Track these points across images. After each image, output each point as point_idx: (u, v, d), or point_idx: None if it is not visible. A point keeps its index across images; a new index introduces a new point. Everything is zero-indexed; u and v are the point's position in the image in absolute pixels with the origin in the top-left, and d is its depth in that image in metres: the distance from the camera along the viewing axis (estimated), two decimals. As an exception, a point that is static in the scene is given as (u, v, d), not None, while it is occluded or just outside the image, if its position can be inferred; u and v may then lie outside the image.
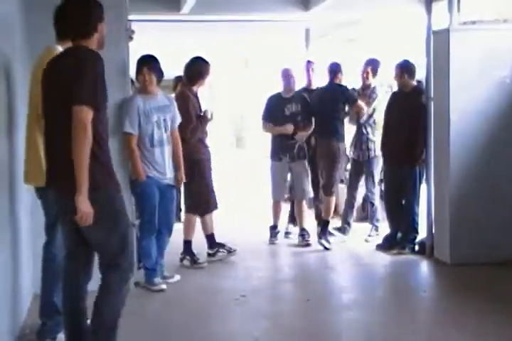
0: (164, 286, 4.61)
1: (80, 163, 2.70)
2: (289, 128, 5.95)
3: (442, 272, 5.09)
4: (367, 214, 6.76)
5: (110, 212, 2.87)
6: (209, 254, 5.48)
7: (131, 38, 4.65)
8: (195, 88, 5.33)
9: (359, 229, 6.31)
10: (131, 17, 4.69)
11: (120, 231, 2.92)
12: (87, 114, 2.71)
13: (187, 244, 5.35)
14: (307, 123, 6.05)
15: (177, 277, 4.89)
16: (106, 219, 2.84)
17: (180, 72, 7.51)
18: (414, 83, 5.73)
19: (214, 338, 3.65)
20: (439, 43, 5.31)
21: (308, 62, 6.63)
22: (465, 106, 5.16)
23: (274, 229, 6.18)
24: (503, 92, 5.17)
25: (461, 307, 4.12)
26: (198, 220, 5.43)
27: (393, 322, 3.95)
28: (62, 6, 3.14)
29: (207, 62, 5.34)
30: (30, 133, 3.41)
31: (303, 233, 6.08)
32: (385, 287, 4.80)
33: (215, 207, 5.41)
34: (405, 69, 5.68)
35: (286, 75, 6.08)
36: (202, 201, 5.29)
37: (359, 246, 5.98)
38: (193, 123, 5.16)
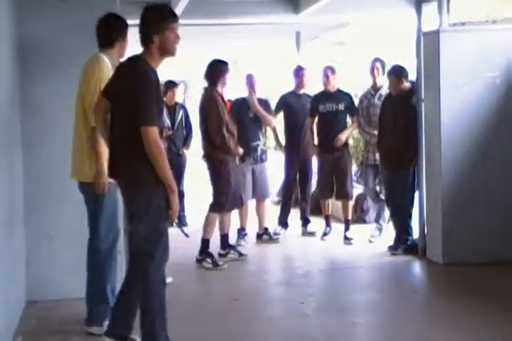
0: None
1: (166, 173, 3.11)
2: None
3: (434, 272, 5.11)
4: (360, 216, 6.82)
5: (156, 207, 3.17)
6: (220, 255, 5.53)
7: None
8: (219, 88, 5.49)
9: (352, 230, 6.29)
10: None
11: (160, 224, 3.22)
12: (154, 134, 3.08)
13: (205, 243, 5.41)
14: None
15: (169, 279, 4.86)
16: (151, 212, 3.17)
17: (170, 77, 7.56)
18: (408, 85, 5.69)
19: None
20: (429, 44, 5.32)
21: (299, 67, 6.67)
22: (456, 107, 5.17)
23: (241, 231, 6.19)
24: (494, 93, 5.18)
25: (454, 307, 4.13)
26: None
27: (387, 323, 3.96)
28: (106, 18, 3.70)
29: (224, 62, 5.56)
30: (77, 135, 3.71)
31: (267, 232, 6.26)
32: (378, 288, 4.79)
33: (237, 205, 5.55)
34: (397, 73, 5.65)
35: (250, 81, 6.22)
36: (223, 199, 5.40)
37: (351, 247, 5.98)
38: (222, 123, 5.34)
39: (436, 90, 5.19)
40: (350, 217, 6.25)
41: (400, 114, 5.58)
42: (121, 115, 3.19)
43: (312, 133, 6.38)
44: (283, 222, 6.62)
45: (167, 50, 3.23)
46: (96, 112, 3.37)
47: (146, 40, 3.21)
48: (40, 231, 4.34)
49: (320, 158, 6.36)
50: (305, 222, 6.61)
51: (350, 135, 6.38)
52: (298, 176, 6.60)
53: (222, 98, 5.53)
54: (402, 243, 5.58)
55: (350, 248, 5.98)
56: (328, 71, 6.27)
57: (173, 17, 3.24)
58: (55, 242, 4.34)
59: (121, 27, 3.81)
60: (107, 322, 3.61)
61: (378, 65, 6.13)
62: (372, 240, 6.01)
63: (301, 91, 6.60)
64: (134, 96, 3.10)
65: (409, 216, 5.64)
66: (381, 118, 5.84)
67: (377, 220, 6.21)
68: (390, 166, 5.68)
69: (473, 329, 3.73)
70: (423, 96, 5.43)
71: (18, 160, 4.25)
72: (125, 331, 3.33)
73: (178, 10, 6.88)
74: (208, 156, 5.51)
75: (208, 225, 5.45)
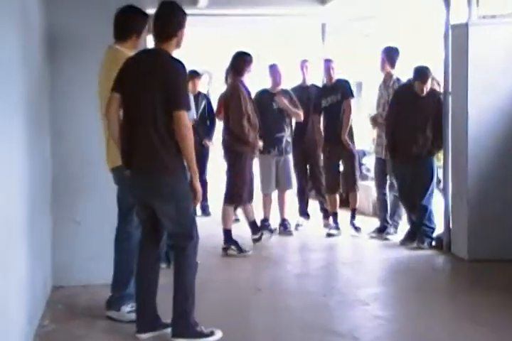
0: None
1: (192, 156, 3.27)
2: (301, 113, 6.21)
3: (459, 268, 5.07)
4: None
5: (184, 191, 3.33)
6: (255, 240, 5.67)
7: (149, 31, 4.66)
8: (243, 78, 5.56)
9: (374, 223, 6.27)
10: (148, 11, 4.69)
11: (190, 207, 3.43)
12: (186, 117, 3.27)
13: (227, 233, 5.51)
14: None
15: None
16: (182, 197, 3.33)
17: (194, 67, 7.56)
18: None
19: (231, 332, 3.64)
20: (458, 38, 5.26)
21: (303, 61, 6.65)
22: (484, 101, 5.11)
23: (265, 221, 6.20)
24: (523, 87, 5.12)
25: (478, 302, 4.11)
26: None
27: (409, 317, 3.94)
28: (122, 11, 3.77)
29: (248, 54, 5.65)
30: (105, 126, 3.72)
31: (284, 223, 6.25)
32: (401, 282, 4.77)
33: (250, 199, 5.61)
34: (423, 78, 5.48)
35: (275, 71, 6.20)
36: (236, 191, 5.48)
37: (376, 240, 5.94)
38: (243, 114, 5.39)
39: (464, 84, 5.13)
40: (355, 206, 6.27)
41: (419, 105, 5.50)
42: (145, 104, 3.27)
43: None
44: (303, 213, 6.63)
45: (180, 45, 3.46)
46: (109, 105, 3.45)
47: (168, 33, 3.38)
48: (67, 217, 4.39)
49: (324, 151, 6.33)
50: (325, 214, 6.60)
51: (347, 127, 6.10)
52: (308, 169, 6.59)
53: (245, 86, 5.57)
54: (428, 236, 5.53)
55: (374, 241, 5.93)
56: (383, 56, 6.08)
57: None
58: (81, 229, 4.40)
59: (139, 22, 3.84)
60: (124, 308, 3.74)
61: (384, 57, 6.00)
62: (389, 238, 5.91)
63: (309, 83, 6.59)
64: (167, 83, 3.25)
65: (432, 205, 5.58)
66: (394, 109, 5.69)
67: (391, 217, 6.03)
68: (409, 158, 5.55)
69: (497, 324, 3.71)
70: (450, 90, 5.37)
71: (47, 147, 4.29)
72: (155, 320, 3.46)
73: (205, 0, 6.87)
74: (226, 147, 5.57)
75: (224, 217, 5.54)
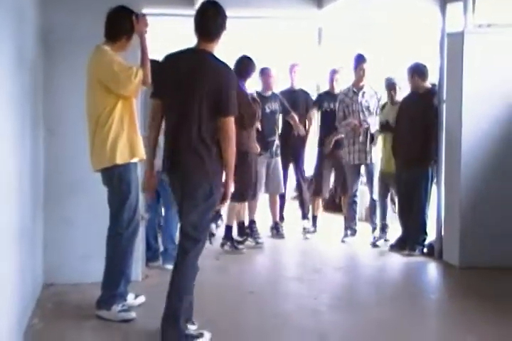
0: None
1: (232, 161, 3.25)
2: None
3: (451, 275, 5.08)
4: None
5: (215, 199, 3.30)
6: (238, 242, 5.76)
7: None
8: (245, 84, 5.65)
9: (365, 229, 6.28)
10: (144, 10, 4.67)
11: (211, 214, 3.41)
12: (232, 124, 3.24)
13: (228, 229, 5.68)
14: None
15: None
16: (211, 203, 3.30)
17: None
18: (428, 85, 5.69)
19: (222, 335, 3.63)
20: (454, 46, 5.29)
21: (292, 65, 6.70)
22: (478, 109, 5.14)
23: (252, 223, 6.10)
24: (518, 96, 5.15)
25: (469, 310, 4.11)
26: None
27: (400, 323, 3.94)
28: (114, 11, 3.70)
29: (251, 59, 5.69)
30: (92, 122, 3.72)
31: (277, 226, 6.29)
32: (393, 288, 4.78)
33: (252, 197, 5.72)
34: (415, 71, 5.64)
35: (267, 74, 6.21)
36: (244, 189, 5.55)
37: (368, 246, 5.93)
38: (256, 113, 5.57)
39: (459, 92, 5.16)
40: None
41: (419, 114, 5.55)
42: (191, 110, 3.19)
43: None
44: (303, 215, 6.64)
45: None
46: (155, 113, 3.37)
47: (215, 34, 3.28)
48: (58, 216, 4.37)
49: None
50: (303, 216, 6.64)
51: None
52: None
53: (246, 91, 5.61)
54: (419, 244, 5.55)
55: (367, 247, 5.92)
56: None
57: None
58: (72, 227, 4.37)
59: (130, 24, 3.77)
60: (115, 307, 3.72)
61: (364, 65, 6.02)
62: (379, 244, 5.92)
63: (297, 88, 6.66)
64: (220, 90, 3.18)
65: (426, 215, 5.59)
66: (398, 118, 5.80)
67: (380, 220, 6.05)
68: (408, 165, 5.63)
69: (488, 332, 3.71)
70: (445, 98, 5.40)
71: (39, 145, 4.27)
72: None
73: (201, 1, 6.86)
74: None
75: (230, 213, 5.69)
